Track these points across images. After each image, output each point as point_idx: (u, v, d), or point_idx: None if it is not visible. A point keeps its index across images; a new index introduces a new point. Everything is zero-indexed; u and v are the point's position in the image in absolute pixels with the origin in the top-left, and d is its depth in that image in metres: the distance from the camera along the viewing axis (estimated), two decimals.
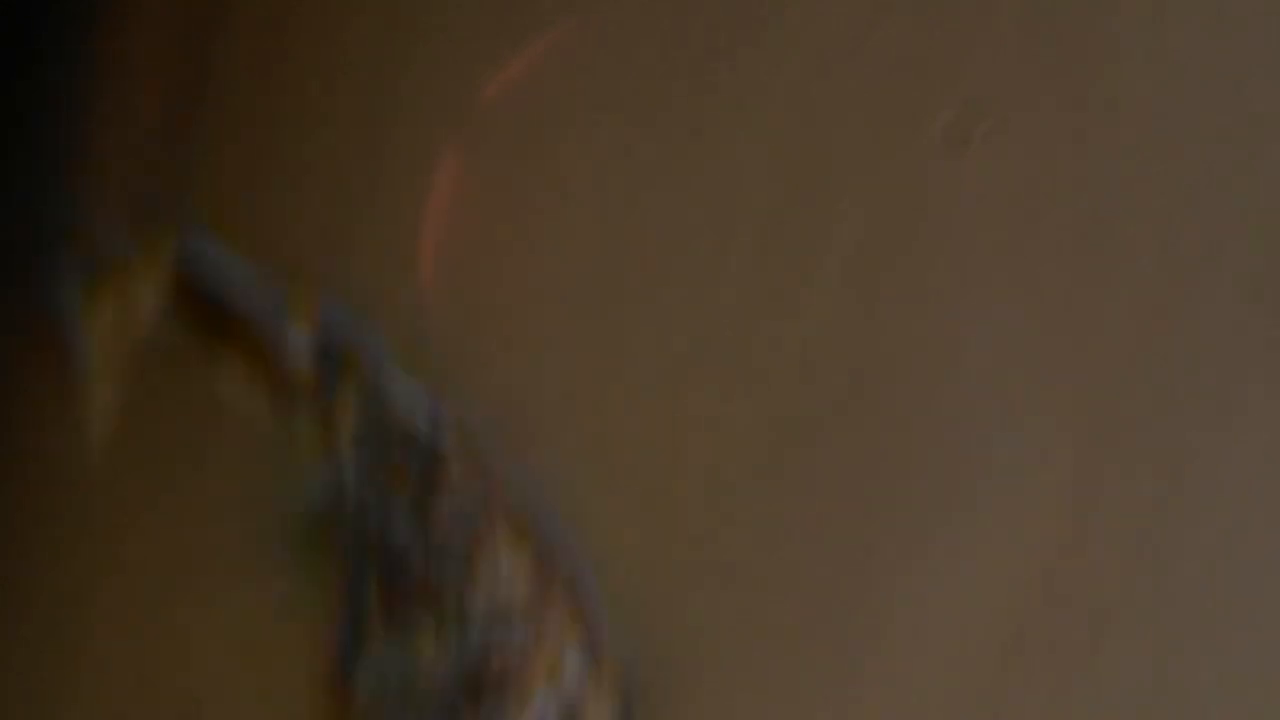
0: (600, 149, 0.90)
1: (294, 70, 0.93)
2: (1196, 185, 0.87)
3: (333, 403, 0.89)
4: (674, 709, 0.87)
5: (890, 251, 0.88)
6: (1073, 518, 0.86)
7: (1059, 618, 0.86)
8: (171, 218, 0.93)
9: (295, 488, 0.90)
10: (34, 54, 0.96)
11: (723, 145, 0.89)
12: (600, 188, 0.90)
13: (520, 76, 0.91)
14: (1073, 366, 0.87)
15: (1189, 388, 0.86)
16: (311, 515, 0.90)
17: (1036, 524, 0.86)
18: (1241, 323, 0.86)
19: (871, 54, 0.89)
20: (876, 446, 0.87)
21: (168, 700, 0.91)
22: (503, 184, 0.91)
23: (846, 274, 0.88)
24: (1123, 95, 0.88)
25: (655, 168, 0.90)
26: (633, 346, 0.89)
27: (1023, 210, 0.88)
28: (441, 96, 0.91)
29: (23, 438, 0.94)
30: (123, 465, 0.92)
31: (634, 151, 0.90)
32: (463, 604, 0.87)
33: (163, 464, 0.92)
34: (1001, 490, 0.87)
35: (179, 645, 0.91)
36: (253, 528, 0.90)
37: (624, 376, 0.89)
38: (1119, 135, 0.87)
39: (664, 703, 0.87)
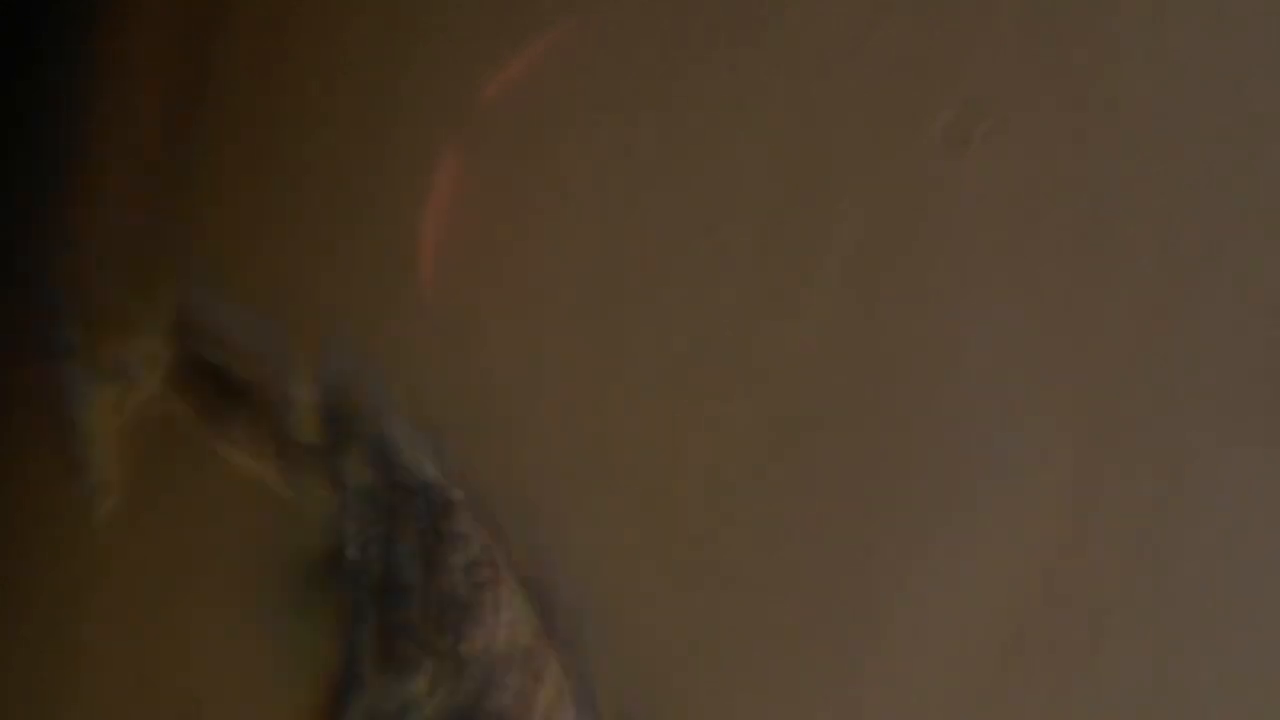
0: (600, 149, 0.90)
1: (294, 70, 0.93)
2: (1196, 185, 0.87)
3: (340, 458, 0.90)
4: (674, 709, 0.87)
5: (890, 251, 0.88)
6: (1073, 518, 0.86)
7: (1059, 618, 0.86)
8: (171, 277, 0.93)
9: (297, 531, 0.90)
10: (34, 54, 0.96)
11: (723, 145, 0.89)
12: (600, 188, 0.90)
13: (520, 76, 0.91)
14: (1073, 366, 0.87)
15: (1189, 388, 0.86)
16: (313, 558, 0.90)
17: (1036, 524, 0.86)
18: (1241, 323, 0.86)
19: (871, 54, 0.89)
20: (876, 446, 0.87)
21: (168, 700, 0.91)
22: (503, 184, 0.91)
23: (846, 274, 0.88)
24: (1123, 95, 0.88)
25: (655, 168, 0.90)
26: (633, 346, 0.89)
27: (1023, 210, 0.88)
28: (441, 96, 0.91)
29: (25, 501, 0.94)
30: (127, 520, 0.92)
31: (634, 151, 0.90)
32: (460, 648, 0.88)
33: (167, 516, 0.92)
34: (1001, 490, 0.87)
35: (179, 645, 0.91)
36: (253, 568, 0.90)
37: (624, 376, 0.89)
38: (1119, 135, 0.87)
39: (664, 703, 0.87)
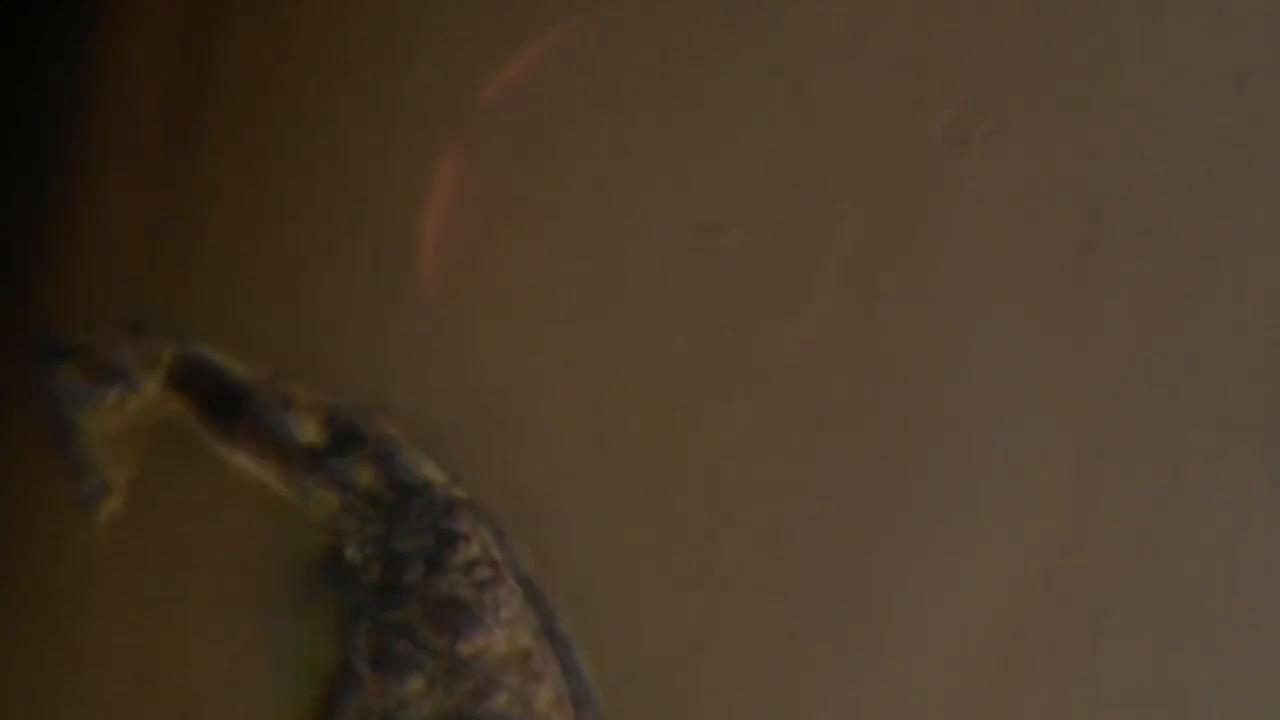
0: (600, 149, 0.90)
1: (294, 70, 0.93)
2: (1196, 185, 0.87)
3: (340, 458, 0.90)
4: (674, 709, 0.87)
5: (890, 251, 0.88)
6: (1073, 518, 0.86)
7: (1059, 618, 0.86)
8: (171, 278, 0.93)
9: (297, 531, 0.90)
10: (34, 54, 0.96)
11: (723, 145, 0.89)
12: (600, 188, 0.90)
13: (520, 76, 0.91)
14: (1073, 366, 0.87)
15: (1189, 388, 0.86)
16: (313, 558, 0.90)
17: (1036, 524, 0.86)
18: (1241, 323, 0.86)
19: (871, 54, 0.89)
20: (876, 446, 0.87)
21: (168, 700, 0.91)
22: (503, 184, 0.91)
23: (846, 274, 0.88)
24: (1123, 95, 0.88)
25: (655, 168, 0.90)
26: (633, 346, 0.89)
27: (1023, 210, 0.88)
28: (441, 96, 0.91)
29: (25, 501, 0.94)
30: (127, 520, 0.92)
31: (634, 151, 0.90)
32: (459, 648, 0.88)
33: (166, 516, 0.92)
34: (1001, 490, 0.87)
35: (179, 645, 0.91)
36: (253, 568, 0.90)
37: (624, 376, 0.89)
38: (1119, 135, 0.87)
39: (664, 703, 0.87)
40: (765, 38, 0.89)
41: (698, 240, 0.89)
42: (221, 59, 0.94)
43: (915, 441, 0.87)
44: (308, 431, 0.90)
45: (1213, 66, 0.87)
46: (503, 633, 0.88)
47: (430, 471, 0.90)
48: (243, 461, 0.91)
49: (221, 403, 0.91)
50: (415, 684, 0.88)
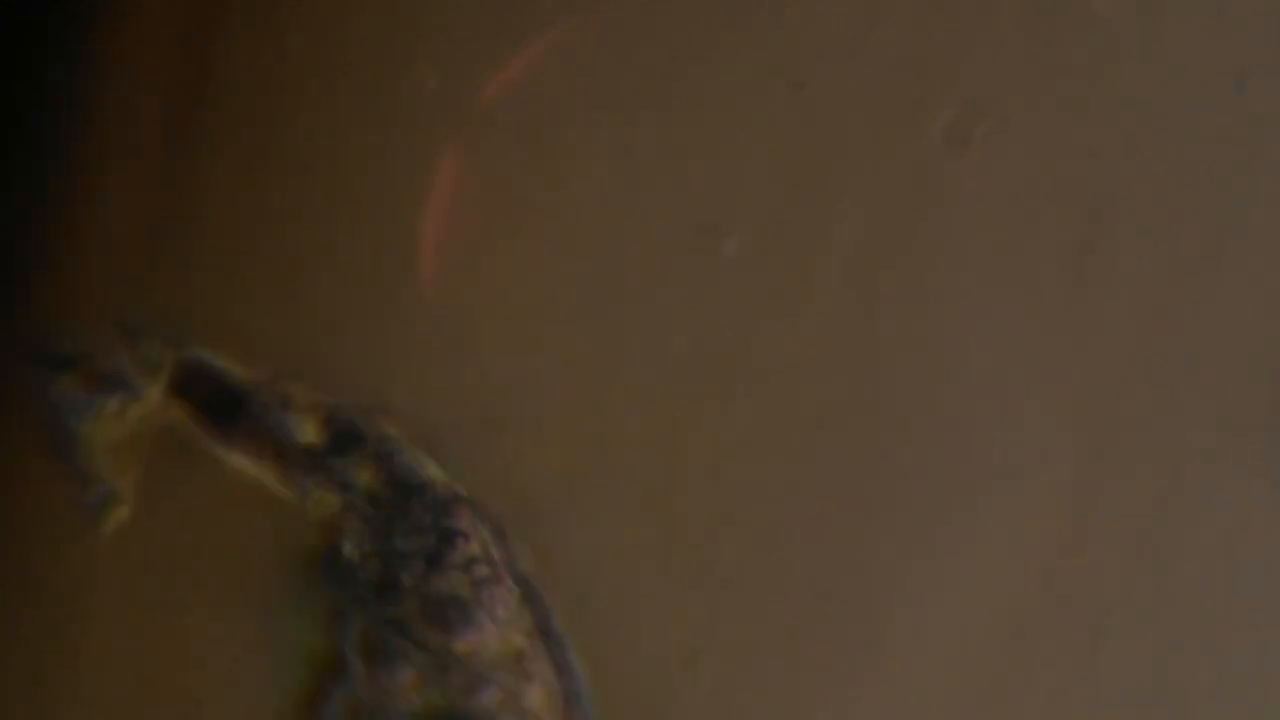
0: (600, 149, 0.90)
1: (294, 70, 0.93)
2: (1196, 185, 0.87)
3: (340, 458, 0.90)
4: (675, 709, 0.87)
5: (890, 251, 0.88)
6: (1073, 518, 0.86)
7: (1059, 618, 0.86)
8: (171, 279, 0.93)
9: (297, 531, 0.90)
10: (34, 54, 0.96)
11: (723, 145, 0.89)
12: (600, 188, 0.90)
13: (520, 77, 0.91)
14: (1073, 366, 0.87)
15: (1189, 388, 0.86)
16: (313, 558, 0.90)
17: (1036, 524, 0.86)
18: (1241, 323, 0.86)
19: (871, 54, 0.89)
20: (876, 446, 0.87)
21: (168, 700, 0.91)
22: (503, 184, 0.91)
23: (846, 274, 0.88)
24: (1123, 95, 0.88)
25: (655, 168, 0.90)
26: (633, 346, 0.89)
27: (1022, 210, 0.88)
28: (441, 96, 0.91)
29: (25, 501, 0.94)
30: (127, 522, 0.92)
31: (634, 151, 0.90)
32: (453, 645, 0.88)
33: (167, 518, 0.92)
34: (1001, 490, 0.87)
35: (179, 645, 0.91)
36: (253, 568, 0.90)
37: (624, 377, 0.89)
38: (1119, 135, 0.87)
39: (664, 703, 0.87)
40: (765, 38, 0.89)
41: (698, 240, 0.89)
42: (221, 59, 0.94)
43: (915, 441, 0.87)
44: (307, 432, 0.90)
45: (1213, 66, 0.87)
46: (498, 631, 0.88)
47: (430, 471, 0.90)
48: (242, 463, 0.91)
49: (222, 406, 0.91)
50: (406, 677, 0.88)
